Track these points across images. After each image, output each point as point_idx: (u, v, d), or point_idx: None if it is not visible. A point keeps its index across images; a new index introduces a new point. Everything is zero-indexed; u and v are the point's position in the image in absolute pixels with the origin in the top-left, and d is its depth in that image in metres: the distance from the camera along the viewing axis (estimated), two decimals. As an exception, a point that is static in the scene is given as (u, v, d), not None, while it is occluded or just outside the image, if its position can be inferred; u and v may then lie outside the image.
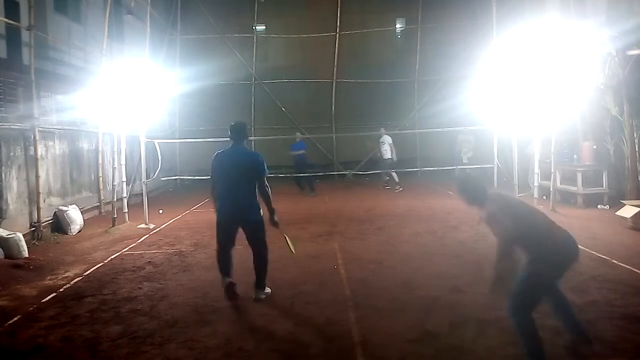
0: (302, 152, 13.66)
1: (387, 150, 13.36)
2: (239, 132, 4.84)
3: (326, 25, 17.12)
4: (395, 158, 13.44)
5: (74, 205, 9.03)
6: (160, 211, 10.45)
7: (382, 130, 13.71)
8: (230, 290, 4.72)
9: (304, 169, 13.63)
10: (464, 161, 15.32)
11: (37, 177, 8.03)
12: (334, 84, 17.44)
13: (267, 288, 4.97)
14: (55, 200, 8.89)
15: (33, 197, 8.01)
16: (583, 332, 3.54)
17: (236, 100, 17.08)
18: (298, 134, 14.48)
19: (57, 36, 9.58)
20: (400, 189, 13.12)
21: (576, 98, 9.00)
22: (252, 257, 4.94)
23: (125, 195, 9.54)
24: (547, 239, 3.34)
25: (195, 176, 13.71)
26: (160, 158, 10.84)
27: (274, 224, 4.93)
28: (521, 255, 3.32)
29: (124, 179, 9.54)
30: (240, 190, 4.70)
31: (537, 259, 3.28)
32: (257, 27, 17.49)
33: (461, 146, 15.48)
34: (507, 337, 3.76)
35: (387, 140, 13.40)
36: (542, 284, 3.34)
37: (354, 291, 4.99)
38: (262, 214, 4.82)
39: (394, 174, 13.42)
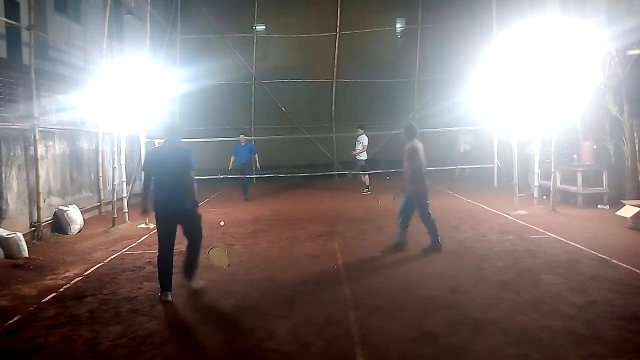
0: (255, 155, 12.60)
1: (359, 150, 12.94)
2: (173, 131, 5.21)
3: (326, 25, 17.12)
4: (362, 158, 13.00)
5: (74, 205, 9.03)
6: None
7: (359, 130, 13.18)
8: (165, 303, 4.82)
9: (249, 173, 12.77)
10: (461, 151, 15.31)
11: (37, 177, 8.03)
12: (334, 84, 17.44)
13: (200, 281, 5.21)
14: (55, 200, 8.89)
15: (33, 197, 8.01)
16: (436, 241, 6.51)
17: (236, 100, 17.09)
18: (242, 136, 12.74)
19: (57, 36, 9.58)
20: (369, 192, 12.73)
21: (576, 98, 8.99)
22: (187, 250, 5.17)
23: (125, 195, 9.54)
24: (419, 177, 6.55)
25: (194, 176, 13.69)
26: (160, 158, 10.82)
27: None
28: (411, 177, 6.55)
29: (124, 178, 9.54)
30: (176, 182, 4.99)
31: (414, 187, 6.57)
32: (257, 27, 17.49)
33: (460, 145, 15.51)
34: (507, 337, 3.77)
35: (362, 140, 12.95)
36: (420, 201, 6.57)
37: (354, 291, 4.99)
38: (198, 207, 5.11)
39: (365, 176, 13.03)
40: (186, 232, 5.12)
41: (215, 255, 5.49)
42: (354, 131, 13.80)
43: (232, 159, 12.47)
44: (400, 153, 6.85)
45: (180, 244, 5.18)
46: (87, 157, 10.33)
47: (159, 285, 4.97)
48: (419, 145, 6.65)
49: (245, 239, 7.72)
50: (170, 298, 4.88)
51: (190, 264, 5.12)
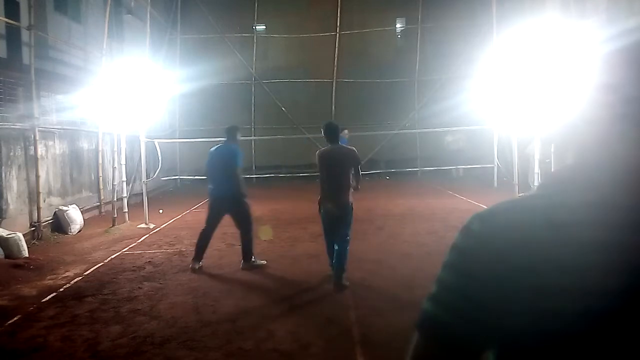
0: None
1: None
2: (230, 132, 6.16)
3: (326, 25, 17.11)
4: None
5: (74, 205, 9.03)
6: (161, 211, 10.45)
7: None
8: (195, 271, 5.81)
9: None
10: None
11: (37, 176, 8.03)
12: (334, 84, 17.43)
13: (259, 260, 6.03)
14: (55, 200, 8.89)
15: (33, 196, 8.01)
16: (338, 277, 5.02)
17: (236, 100, 17.08)
18: (346, 131, 10.97)
19: (57, 36, 9.57)
20: None
21: (576, 98, 8.99)
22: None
23: (125, 195, 9.54)
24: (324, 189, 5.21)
25: (195, 176, 13.70)
26: (160, 158, 10.83)
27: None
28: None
29: (124, 178, 9.54)
30: (223, 176, 5.87)
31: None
32: (257, 27, 17.48)
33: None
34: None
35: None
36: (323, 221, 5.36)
37: (354, 291, 4.99)
38: (246, 198, 5.89)
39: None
40: (235, 221, 5.97)
41: (263, 232, 6.98)
42: (354, 131, 13.75)
43: None
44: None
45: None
46: (87, 157, 10.33)
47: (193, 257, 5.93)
48: (323, 152, 5.25)
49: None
50: (197, 267, 5.81)
51: (244, 250, 5.93)
